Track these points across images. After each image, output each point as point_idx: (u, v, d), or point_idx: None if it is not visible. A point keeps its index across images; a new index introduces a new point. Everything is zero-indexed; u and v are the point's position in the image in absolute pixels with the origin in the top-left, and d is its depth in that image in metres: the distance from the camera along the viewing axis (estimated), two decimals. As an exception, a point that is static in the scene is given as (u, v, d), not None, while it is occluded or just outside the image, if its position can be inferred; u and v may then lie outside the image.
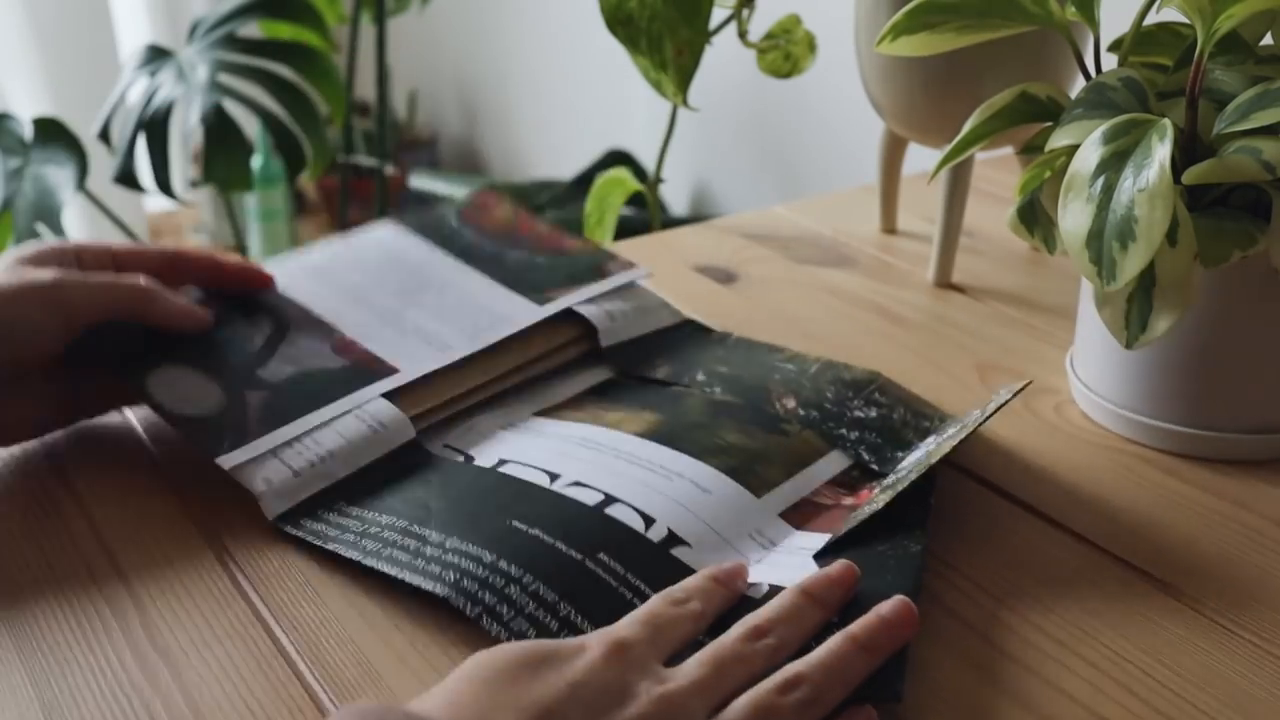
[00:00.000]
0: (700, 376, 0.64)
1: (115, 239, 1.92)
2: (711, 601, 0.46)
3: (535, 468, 0.55)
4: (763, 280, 0.80)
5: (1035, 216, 0.60)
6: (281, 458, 0.54)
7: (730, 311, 0.74)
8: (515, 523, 0.50)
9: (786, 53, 0.88)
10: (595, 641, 0.41)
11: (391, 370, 0.60)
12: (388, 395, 0.59)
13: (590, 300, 0.67)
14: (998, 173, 0.97)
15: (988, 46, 0.60)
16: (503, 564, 0.47)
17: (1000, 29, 0.58)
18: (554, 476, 0.54)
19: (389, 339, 0.63)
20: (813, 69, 0.89)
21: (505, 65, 2.21)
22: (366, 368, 0.60)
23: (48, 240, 0.61)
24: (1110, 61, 0.59)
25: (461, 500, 0.53)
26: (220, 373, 0.59)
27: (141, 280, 0.59)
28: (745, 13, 0.84)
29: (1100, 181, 0.51)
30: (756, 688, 0.40)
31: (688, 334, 0.69)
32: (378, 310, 0.65)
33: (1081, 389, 0.63)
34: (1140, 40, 0.59)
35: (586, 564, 0.48)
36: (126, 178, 1.41)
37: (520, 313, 0.65)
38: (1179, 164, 0.52)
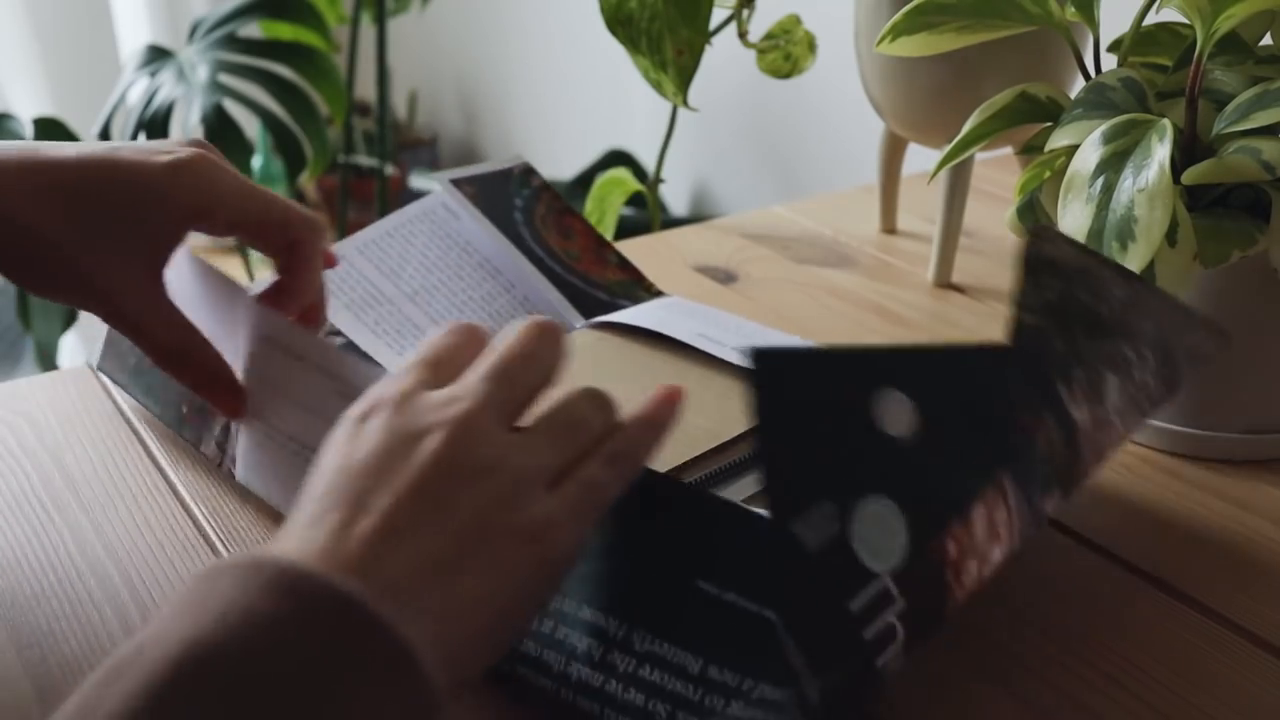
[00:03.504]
0: None
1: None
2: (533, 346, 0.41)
3: None
4: (763, 280, 0.80)
5: (1035, 216, 0.60)
6: None
7: (730, 312, 0.74)
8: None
9: (786, 53, 0.89)
10: (377, 406, 0.39)
11: None
12: None
13: None
14: (998, 173, 0.97)
15: (988, 46, 0.60)
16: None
17: (1000, 29, 0.58)
18: None
19: None
20: (813, 69, 0.89)
21: (505, 65, 2.21)
22: None
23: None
24: (1110, 62, 0.59)
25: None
26: None
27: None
28: (745, 13, 0.85)
29: (1100, 181, 0.51)
30: (586, 463, 0.39)
31: None
32: None
33: (1081, 389, 0.63)
34: (1140, 40, 0.59)
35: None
36: (127, 178, 1.40)
37: None
38: (1178, 164, 0.52)
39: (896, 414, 0.36)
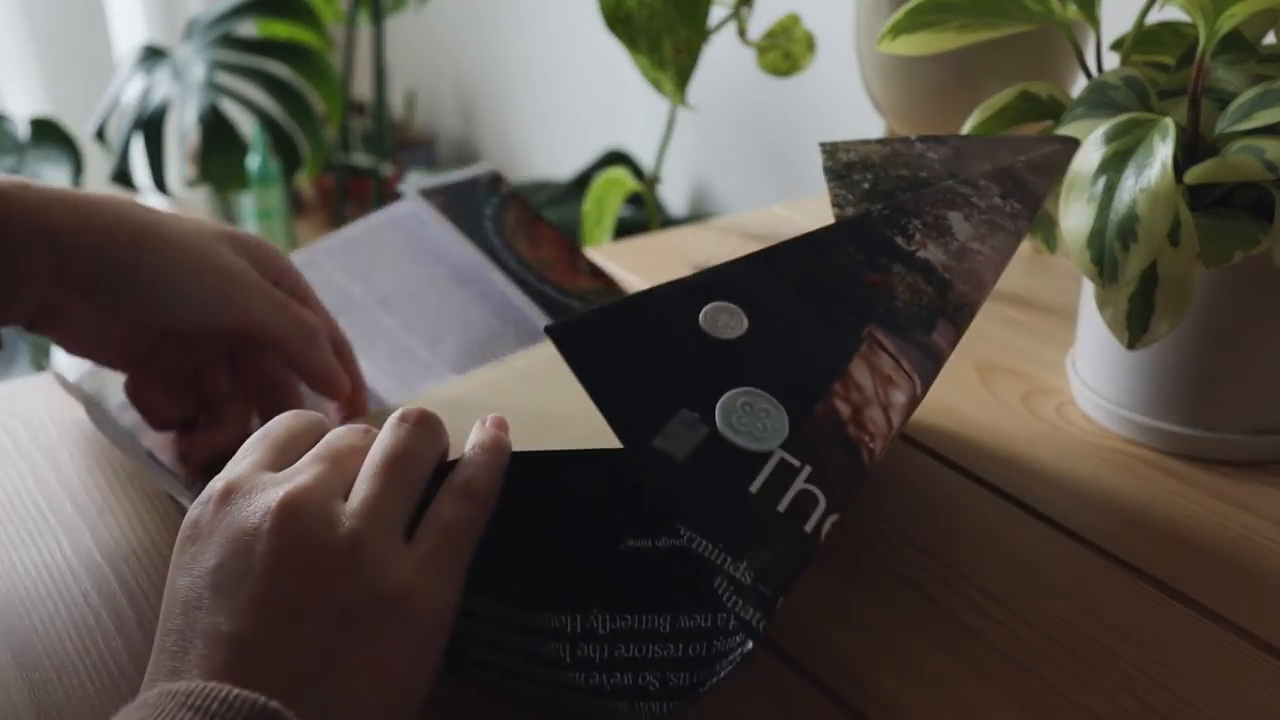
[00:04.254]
0: None
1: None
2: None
3: None
4: (762, 280, 0.80)
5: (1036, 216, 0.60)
6: None
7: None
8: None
9: (786, 51, 0.88)
10: (210, 500, 0.38)
11: None
12: None
13: None
14: (997, 172, 0.97)
15: (988, 45, 0.60)
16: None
17: (1001, 28, 0.58)
18: None
19: None
20: (812, 68, 0.89)
21: (504, 65, 2.21)
22: None
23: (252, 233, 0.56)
24: (1112, 60, 0.58)
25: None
26: None
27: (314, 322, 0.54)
28: (744, 11, 0.84)
29: (1102, 181, 0.51)
30: (437, 503, 0.38)
31: None
32: None
33: (1083, 390, 0.63)
34: (1142, 39, 0.58)
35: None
36: (122, 177, 1.40)
37: None
38: (1181, 163, 0.52)
39: (725, 320, 0.40)
